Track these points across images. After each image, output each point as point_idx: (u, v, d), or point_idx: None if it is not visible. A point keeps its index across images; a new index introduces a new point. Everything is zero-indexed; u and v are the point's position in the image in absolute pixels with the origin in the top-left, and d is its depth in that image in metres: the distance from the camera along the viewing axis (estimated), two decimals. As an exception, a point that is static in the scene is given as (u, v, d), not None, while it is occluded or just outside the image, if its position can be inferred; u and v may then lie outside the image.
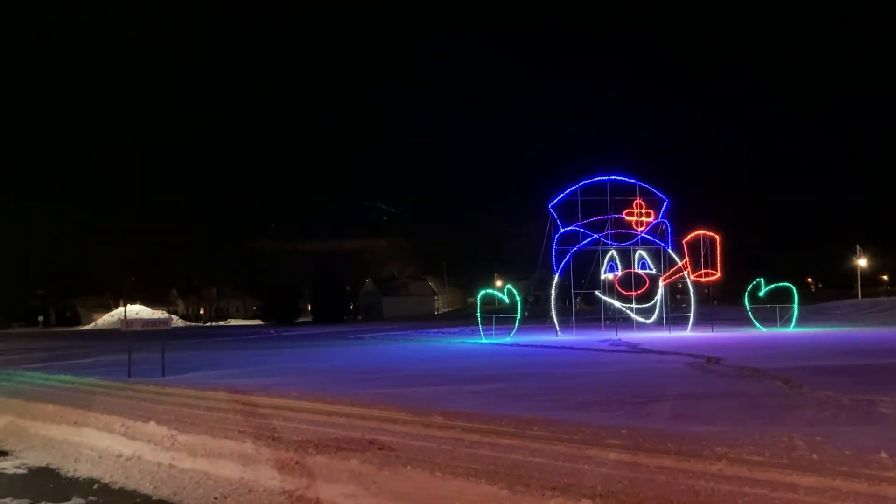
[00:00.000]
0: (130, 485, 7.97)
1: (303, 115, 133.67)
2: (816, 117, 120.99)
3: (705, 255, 31.45)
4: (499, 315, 31.72)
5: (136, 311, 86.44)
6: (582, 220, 32.36)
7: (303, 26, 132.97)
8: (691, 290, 33.13)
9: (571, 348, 23.02)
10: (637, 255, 32.06)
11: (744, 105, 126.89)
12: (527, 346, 24.89)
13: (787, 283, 32.15)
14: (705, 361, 16.53)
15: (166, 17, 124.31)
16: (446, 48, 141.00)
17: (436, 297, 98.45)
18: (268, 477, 7.41)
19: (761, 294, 31.64)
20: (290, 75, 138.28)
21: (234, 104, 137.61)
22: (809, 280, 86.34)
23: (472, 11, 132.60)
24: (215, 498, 7.17)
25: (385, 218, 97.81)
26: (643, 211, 32.01)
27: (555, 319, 32.26)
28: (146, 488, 7.77)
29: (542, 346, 24.33)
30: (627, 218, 31.97)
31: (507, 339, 28.30)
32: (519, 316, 30.87)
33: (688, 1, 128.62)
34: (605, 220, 32.26)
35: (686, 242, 31.89)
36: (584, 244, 32.30)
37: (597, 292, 34.11)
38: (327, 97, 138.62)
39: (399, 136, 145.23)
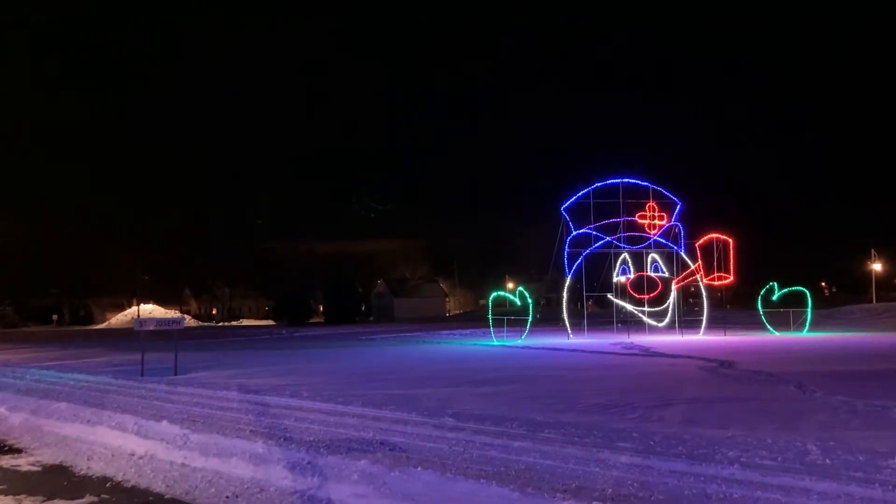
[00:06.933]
0: (143, 483, 8.01)
1: (313, 116, 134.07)
2: (831, 120, 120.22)
3: (718, 259, 31.28)
4: (510, 317, 31.67)
5: (150, 310, 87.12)
6: (594, 222, 32.26)
7: (308, 30, 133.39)
8: (704, 294, 32.98)
9: (583, 351, 22.96)
10: (650, 258, 31.92)
11: (758, 108, 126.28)
12: (538, 348, 24.85)
13: (800, 287, 31.93)
14: (718, 365, 16.46)
15: (169, 20, 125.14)
16: (460, 49, 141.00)
17: (447, 299, 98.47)
18: (279, 476, 7.44)
19: (774, 298, 31.43)
20: (298, 74, 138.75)
21: (241, 104, 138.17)
22: (823, 284, 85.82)
23: (485, 12, 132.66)
24: (227, 497, 7.20)
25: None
26: (656, 214, 31.87)
27: (566, 322, 32.20)
28: (158, 487, 7.80)
29: (554, 349, 24.28)
30: (640, 221, 31.83)
31: (519, 342, 28.25)
32: (530, 318, 30.82)
33: (702, 3, 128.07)
34: (617, 223, 32.15)
35: (699, 246, 31.73)
36: (596, 247, 32.21)
37: (609, 295, 34.01)
38: (336, 96, 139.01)
39: (410, 137, 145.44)
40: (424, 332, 42.12)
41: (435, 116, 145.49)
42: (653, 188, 32.12)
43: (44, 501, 7.48)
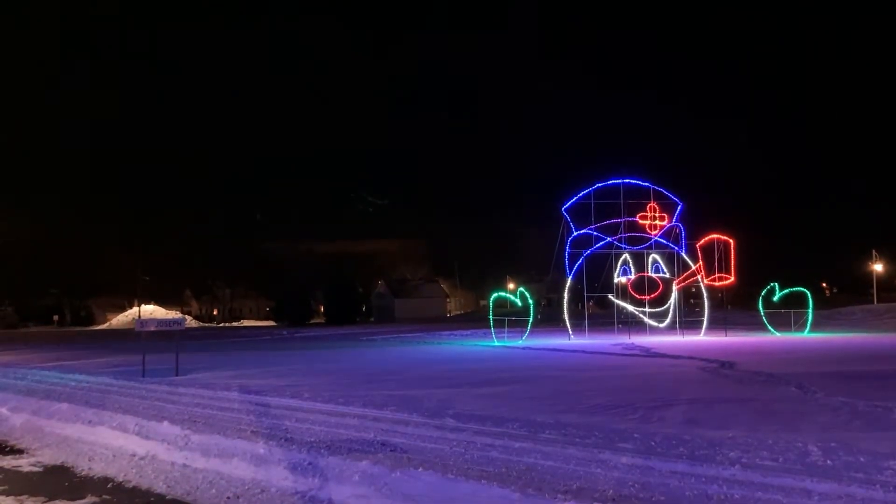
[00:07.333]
0: (144, 484, 8.02)
1: (313, 116, 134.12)
2: (832, 121, 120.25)
3: (719, 259, 31.28)
4: (511, 318, 31.66)
5: (150, 311, 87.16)
6: (595, 223, 32.23)
7: (308, 30, 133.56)
8: (705, 295, 32.96)
9: (584, 352, 22.96)
10: (650, 259, 31.91)
11: (759, 108, 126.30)
12: (539, 349, 24.85)
13: (801, 288, 31.92)
14: (718, 366, 16.45)
15: (169, 20, 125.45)
16: (461, 49, 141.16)
17: (448, 300, 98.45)
18: (280, 477, 7.44)
19: (775, 299, 31.42)
20: (298, 74, 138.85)
21: (241, 104, 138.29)
22: (824, 285, 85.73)
23: (485, 12, 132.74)
24: (228, 498, 7.21)
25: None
26: (657, 214, 31.84)
27: (567, 323, 32.19)
28: (160, 487, 7.81)
29: (555, 350, 24.28)
30: (641, 221, 31.81)
31: (520, 342, 28.26)
32: (531, 319, 30.83)
33: (702, 3, 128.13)
34: (618, 224, 32.13)
35: (700, 246, 31.72)
36: (597, 247, 32.20)
37: (610, 296, 34.00)
38: (336, 96, 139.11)
39: (410, 137, 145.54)
40: (425, 332, 42.12)
41: (435, 116, 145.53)
42: (654, 189, 32.11)
43: (45, 502, 7.49)
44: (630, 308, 33.11)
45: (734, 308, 46.13)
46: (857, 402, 10.11)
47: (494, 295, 34.17)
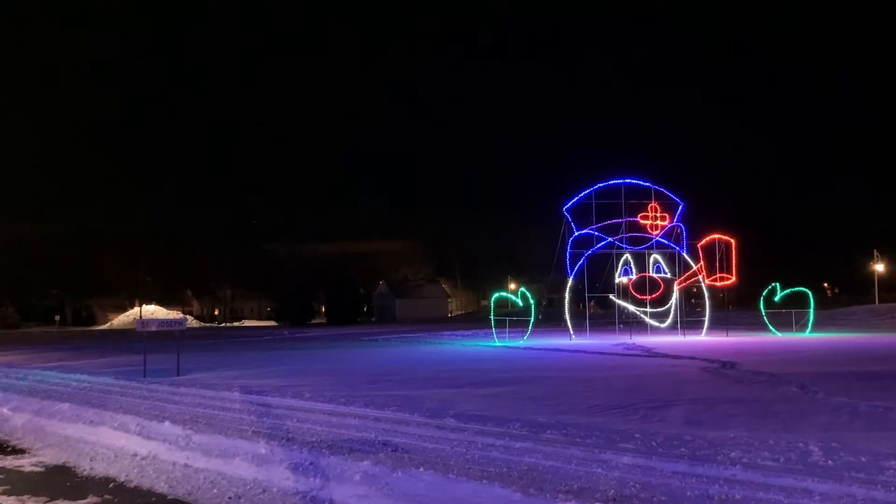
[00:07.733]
0: (146, 484, 8.03)
1: (313, 116, 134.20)
2: (833, 120, 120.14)
3: (720, 260, 31.27)
4: (512, 318, 31.65)
5: (152, 311, 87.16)
6: (596, 223, 32.25)
7: (308, 30, 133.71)
8: (706, 295, 32.96)
9: (585, 352, 22.96)
10: (652, 259, 31.92)
11: (761, 108, 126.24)
12: (540, 349, 24.85)
13: (803, 288, 31.91)
14: (720, 366, 16.46)
15: (169, 20, 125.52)
16: (461, 49, 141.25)
17: (449, 300, 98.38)
18: (281, 477, 7.45)
19: (777, 299, 31.40)
20: (297, 73, 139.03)
21: (241, 104, 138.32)
22: (826, 285, 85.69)
23: (485, 12, 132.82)
24: (230, 498, 7.21)
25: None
26: (658, 214, 31.85)
27: (569, 323, 32.19)
28: (161, 487, 7.82)
29: (556, 350, 24.28)
30: (642, 221, 31.82)
31: (521, 343, 28.26)
32: (532, 319, 30.82)
33: (703, 3, 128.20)
34: (619, 224, 32.14)
35: (701, 246, 31.72)
36: (598, 247, 32.21)
37: (611, 296, 34.01)
38: (336, 96, 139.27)
39: (410, 137, 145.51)
40: (426, 332, 42.12)
41: (436, 116, 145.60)
42: (655, 189, 32.11)
43: (47, 502, 7.50)
44: (631, 308, 33.13)
45: (735, 308, 46.09)
46: (859, 402, 10.11)
47: (496, 295, 34.15)
